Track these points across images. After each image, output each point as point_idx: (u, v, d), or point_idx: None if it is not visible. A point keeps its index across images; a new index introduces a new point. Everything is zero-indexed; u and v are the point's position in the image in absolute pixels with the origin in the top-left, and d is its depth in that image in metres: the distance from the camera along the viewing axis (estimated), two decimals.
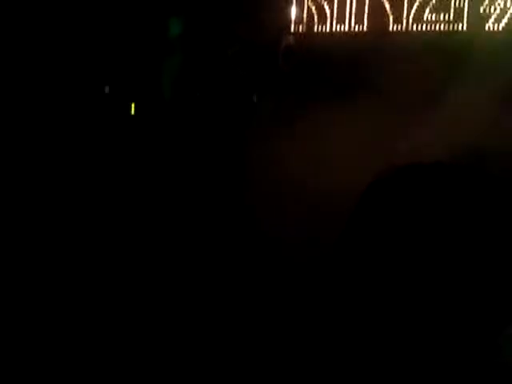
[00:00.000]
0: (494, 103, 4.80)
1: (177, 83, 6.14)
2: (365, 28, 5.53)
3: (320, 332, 1.46)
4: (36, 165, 5.62)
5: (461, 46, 5.09)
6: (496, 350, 1.39)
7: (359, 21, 5.57)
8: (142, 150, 5.89)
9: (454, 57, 5.04)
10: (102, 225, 5.36)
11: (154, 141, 5.98)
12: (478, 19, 5.14)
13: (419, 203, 1.42)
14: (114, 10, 5.99)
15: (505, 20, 5.07)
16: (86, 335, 4.19)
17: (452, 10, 5.23)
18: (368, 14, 5.52)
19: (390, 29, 5.42)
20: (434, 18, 5.29)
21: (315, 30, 5.79)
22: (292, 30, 5.88)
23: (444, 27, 5.26)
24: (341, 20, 5.65)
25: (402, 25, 5.39)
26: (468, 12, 5.18)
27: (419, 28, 5.33)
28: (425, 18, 5.33)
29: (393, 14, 5.42)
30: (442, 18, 5.26)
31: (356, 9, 5.58)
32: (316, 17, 5.79)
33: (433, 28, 5.29)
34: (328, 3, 5.71)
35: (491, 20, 5.10)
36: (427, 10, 5.31)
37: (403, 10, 5.39)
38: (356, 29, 5.57)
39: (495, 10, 5.09)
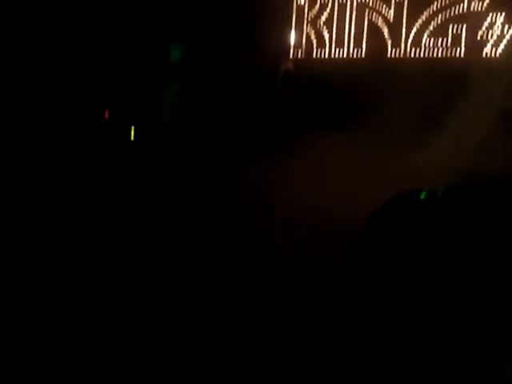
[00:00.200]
0: (492, 127, 4.84)
1: (177, 108, 6.18)
2: (363, 54, 5.58)
3: (324, 338, 1.49)
4: (38, 188, 5.65)
5: (458, 72, 5.13)
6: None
7: (358, 45, 5.62)
8: (143, 174, 5.92)
9: (451, 82, 5.08)
10: (102, 242, 5.37)
11: (153, 165, 6.01)
12: (476, 45, 5.19)
13: (430, 227, 1.45)
14: (115, 35, 6.04)
15: (502, 46, 5.12)
16: (85, 335, 4.18)
17: (450, 36, 5.28)
18: (366, 39, 5.58)
19: (388, 54, 5.47)
20: (431, 44, 5.34)
21: (314, 55, 5.84)
22: (291, 55, 5.93)
23: (442, 53, 5.31)
24: (339, 45, 5.71)
25: (400, 50, 5.44)
26: (466, 38, 5.23)
27: (417, 53, 5.38)
28: (423, 44, 5.38)
29: (391, 39, 5.47)
30: (439, 43, 5.32)
31: (355, 34, 5.64)
32: (315, 42, 5.84)
33: (431, 54, 5.34)
34: (327, 29, 5.77)
35: (488, 46, 5.15)
36: (425, 36, 5.36)
37: (401, 35, 5.44)
38: (355, 54, 5.62)
39: (492, 36, 5.14)
